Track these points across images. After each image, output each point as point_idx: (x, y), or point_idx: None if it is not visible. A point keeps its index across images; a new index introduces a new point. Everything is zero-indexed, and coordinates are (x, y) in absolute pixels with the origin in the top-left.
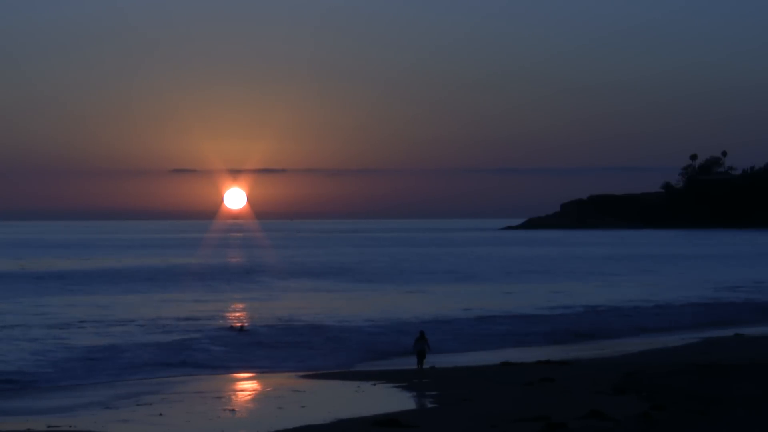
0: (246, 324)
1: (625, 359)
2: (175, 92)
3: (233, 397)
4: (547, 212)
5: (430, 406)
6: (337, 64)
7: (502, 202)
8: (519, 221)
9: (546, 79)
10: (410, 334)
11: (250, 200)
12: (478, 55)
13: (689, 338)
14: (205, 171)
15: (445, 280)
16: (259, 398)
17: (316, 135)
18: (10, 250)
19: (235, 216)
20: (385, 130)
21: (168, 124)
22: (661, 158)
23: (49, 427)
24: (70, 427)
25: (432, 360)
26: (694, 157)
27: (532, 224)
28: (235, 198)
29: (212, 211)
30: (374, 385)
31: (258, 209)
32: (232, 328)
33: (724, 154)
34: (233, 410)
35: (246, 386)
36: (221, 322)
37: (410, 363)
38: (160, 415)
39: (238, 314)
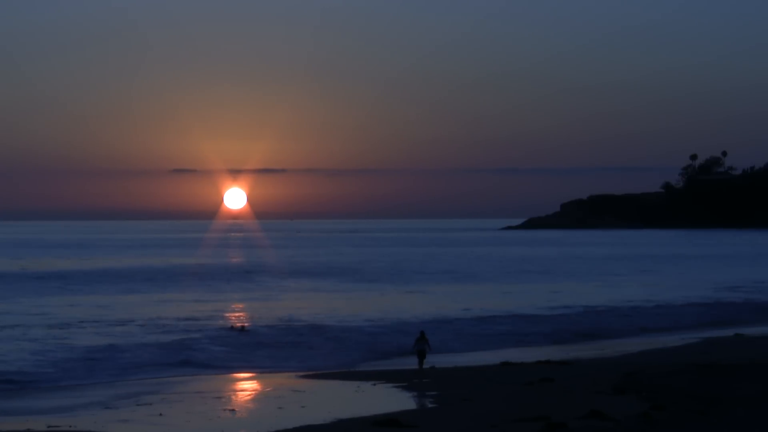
0: (247, 324)
1: (625, 359)
2: (175, 92)
3: (233, 397)
4: (547, 212)
5: (430, 406)
6: (337, 64)
7: (502, 202)
8: (519, 221)
9: (546, 79)
10: (410, 334)
11: (250, 200)
12: (478, 55)
13: (689, 338)
14: (205, 171)
15: (445, 280)
16: (259, 398)
17: (316, 135)
18: (10, 250)
19: (235, 216)
20: (385, 130)
21: (168, 124)
22: (661, 158)
23: (49, 427)
24: (70, 427)
25: (432, 360)
26: (694, 157)
27: (532, 224)
28: (235, 198)
29: (212, 211)
30: (374, 385)
31: (258, 209)
32: (232, 328)
33: (724, 154)
34: (233, 410)
35: (246, 386)
36: (221, 322)
37: (410, 363)
38: (160, 415)
39: (238, 314)
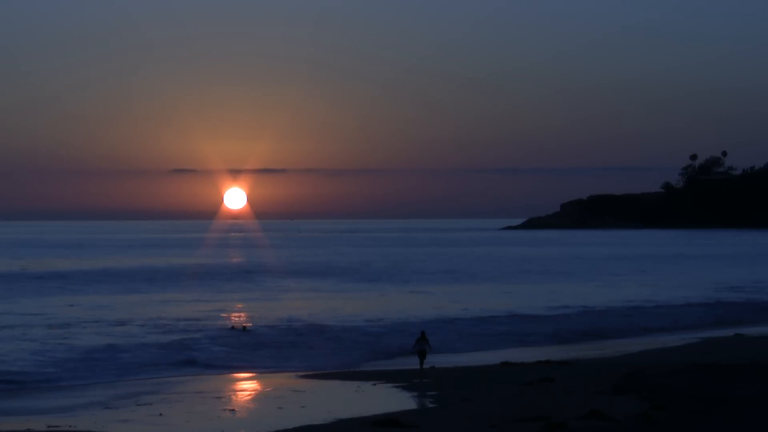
0: (248, 324)
1: (625, 359)
2: (175, 92)
3: (233, 397)
4: (547, 212)
5: (430, 406)
6: (337, 64)
7: (502, 202)
8: (519, 221)
9: (546, 79)
10: (411, 334)
11: (250, 200)
12: (478, 55)
13: (689, 338)
14: (205, 171)
15: (445, 280)
16: (259, 398)
17: (316, 135)
18: (10, 250)
19: (235, 216)
20: (385, 130)
21: (168, 124)
22: (661, 158)
23: (49, 427)
24: (70, 427)
25: (432, 360)
26: (694, 157)
27: (532, 224)
28: (235, 198)
29: (212, 211)
30: (374, 385)
31: (258, 209)
32: (233, 328)
33: (724, 154)
34: (233, 410)
35: (246, 386)
36: (221, 322)
37: (411, 363)
38: (160, 415)
39: (238, 314)
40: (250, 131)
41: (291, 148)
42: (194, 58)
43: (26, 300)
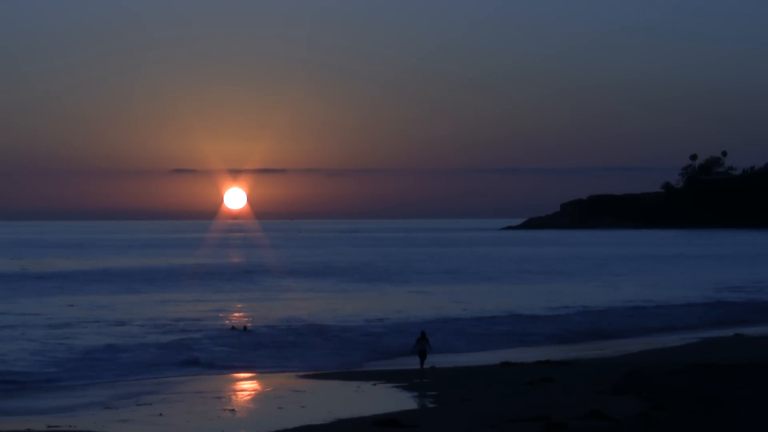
0: (249, 324)
1: (625, 359)
2: (175, 92)
3: (233, 397)
4: (547, 212)
5: (430, 406)
6: (336, 64)
7: (502, 202)
8: (519, 221)
9: (546, 79)
10: (411, 334)
11: (250, 200)
12: (478, 55)
13: (689, 338)
14: (205, 171)
15: (445, 280)
16: (259, 398)
17: (316, 135)
18: (10, 250)
19: (235, 216)
20: (384, 130)
21: (168, 124)
22: (661, 158)
23: (49, 427)
24: (70, 427)
25: (432, 360)
26: (694, 157)
27: (532, 224)
28: (235, 198)
29: (212, 211)
30: (374, 385)
31: (258, 209)
32: (234, 328)
33: (724, 154)
34: (233, 410)
35: (246, 386)
36: (222, 322)
37: (411, 363)
38: (160, 415)
39: (239, 314)
40: (250, 131)
41: (291, 148)
42: (194, 58)
43: (26, 300)
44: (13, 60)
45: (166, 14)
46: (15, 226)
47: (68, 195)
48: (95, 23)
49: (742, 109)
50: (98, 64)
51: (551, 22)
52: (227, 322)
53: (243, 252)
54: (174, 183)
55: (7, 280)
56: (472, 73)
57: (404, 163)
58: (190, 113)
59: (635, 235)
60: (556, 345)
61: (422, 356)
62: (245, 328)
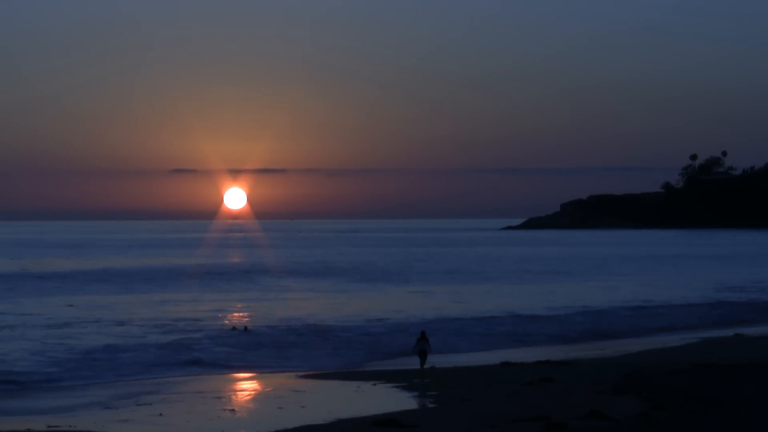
0: (250, 324)
1: (625, 359)
2: (175, 92)
3: (233, 397)
4: (547, 212)
5: (430, 406)
6: (336, 64)
7: (502, 202)
8: (519, 221)
9: (546, 79)
10: (411, 334)
11: (250, 200)
12: (478, 55)
13: (689, 338)
14: (205, 171)
15: (445, 280)
16: (259, 398)
17: (316, 135)
18: (10, 250)
19: (235, 216)
20: (385, 130)
21: (168, 124)
22: (661, 158)
23: (49, 427)
24: (70, 427)
25: (432, 360)
26: (694, 157)
27: (532, 224)
28: (235, 198)
29: (212, 211)
30: (374, 385)
31: (258, 209)
32: (234, 328)
33: (724, 154)
34: (233, 410)
35: (246, 386)
36: (222, 322)
37: (411, 363)
38: (160, 415)
39: (239, 314)
40: (250, 131)
41: (291, 148)
42: (194, 58)
43: (26, 300)
44: (13, 60)
45: (167, 14)
46: (15, 226)
47: (68, 195)
48: (95, 23)
49: (742, 109)
50: (98, 64)
51: (551, 22)
52: (227, 322)
53: (243, 252)
54: (174, 183)
55: (7, 280)
56: (472, 73)
57: (404, 163)
58: (190, 113)
59: (635, 235)
60: (556, 345)
61: (422, 356)
62: (245, 328)
